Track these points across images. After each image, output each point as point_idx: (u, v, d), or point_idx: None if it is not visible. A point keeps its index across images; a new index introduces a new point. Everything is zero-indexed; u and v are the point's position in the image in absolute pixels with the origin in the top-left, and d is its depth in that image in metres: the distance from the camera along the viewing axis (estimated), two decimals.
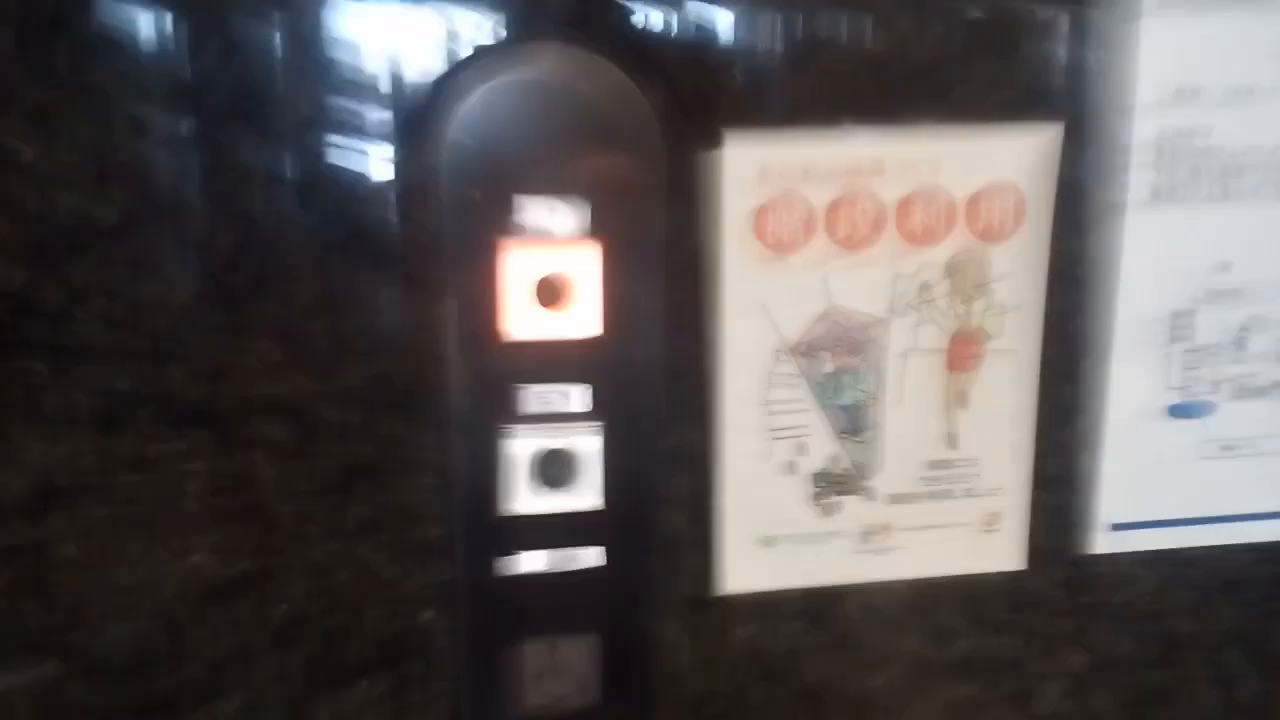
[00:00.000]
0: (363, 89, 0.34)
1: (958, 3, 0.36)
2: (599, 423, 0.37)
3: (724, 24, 0.35)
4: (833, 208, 0.37)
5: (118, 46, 0.32)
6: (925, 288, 0.38)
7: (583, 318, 0.36)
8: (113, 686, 0.36)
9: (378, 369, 0.36)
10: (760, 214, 0.37)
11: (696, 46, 0.35)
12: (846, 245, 0.37)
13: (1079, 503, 0.41)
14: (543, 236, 0.35)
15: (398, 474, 0.37)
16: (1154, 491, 0.41)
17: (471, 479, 0.37)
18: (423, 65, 0.34)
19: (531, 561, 0.37)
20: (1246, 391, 0.40)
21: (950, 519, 0.40)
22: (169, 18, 0.32)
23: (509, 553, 0.37)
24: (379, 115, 0.34)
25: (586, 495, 0.37)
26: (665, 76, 0.35)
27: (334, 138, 0.34)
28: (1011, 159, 0.37)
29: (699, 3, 0.35)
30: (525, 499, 0.37)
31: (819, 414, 0.39)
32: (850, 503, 0.40)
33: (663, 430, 0.38)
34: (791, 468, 0.39)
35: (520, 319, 0.36)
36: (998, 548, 0.41)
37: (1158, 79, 0.37)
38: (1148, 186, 0.38)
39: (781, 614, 0.40)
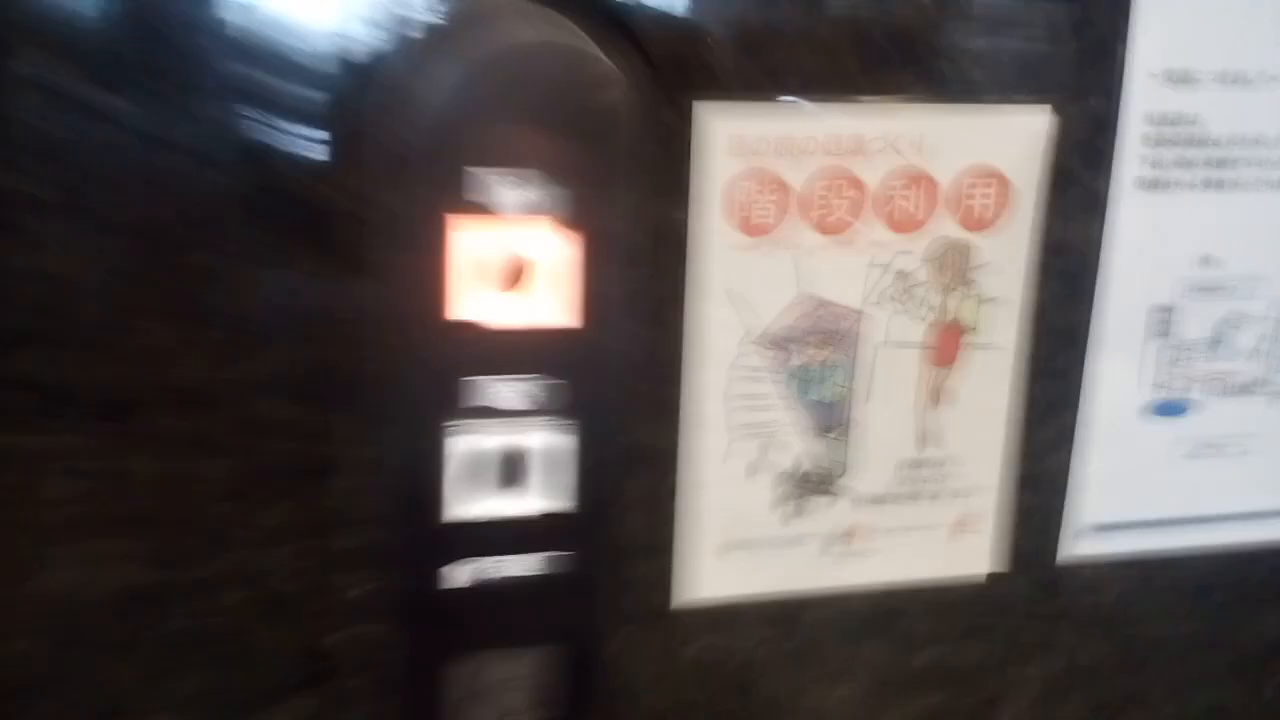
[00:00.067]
0: (294, 40, 0.30)
1: None
2: (555, 419, 0.34)
3: None
4: (809, 188, 0.34)
5: (20, 11, 0.28)
6: (904, 277, 0.36)
7: (539, 303, 0.33)
8: None
9: (310, 355, 0.32)
10: (731, 193, 0.34)
11: (668, 9, 0.32)
12: (822, 229, 0.35)
13: (1056, 505, 0.39)
14: (497, 212, 0.32)
15: (331, 473, 0.33)
16: (1133, 493, 0.39)
17: (414, 479, 0.33)
18: (365, 19, 0.30)
19: (478, 569, 0.34)
20: (1228, 389, 0.39)
21: (923, 522, 0.38)
22: None
23: (454, 560, 0.34)
24: (315, 69, 0.30)
25: (539, 497, 0.34)
26: (633, 40, 0.32)
27: (261, 93, 0.30)
28: (999, 141, 0.35)
29: None
30: (472, 501, 0.34)
31: (789, 410, 0.36)
32: (820, 505, 0.37)
33: (623, 427, 0.35)
34: (758, 467, 0.36)
35: (470, 303, 0.32)
36: (972, 552, 0.39)
37: (1149, 60, 0.35)
38: (1134, 175, 0.36)
39: (743, 623, 0.38)
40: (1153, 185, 0.36)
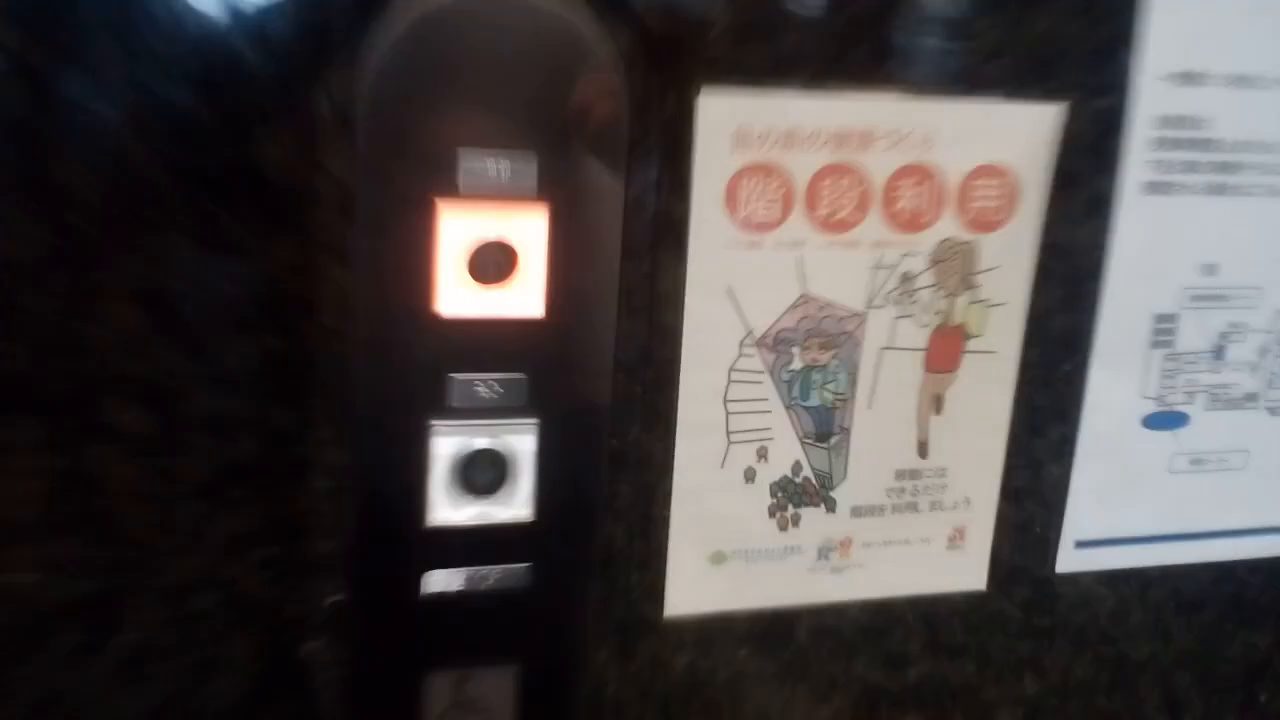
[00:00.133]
0: (264, 7, 0.27)
1: None
2: (534, 419, 0.31)
3: None
4: (815, 182, 0.32)
5: None
6: (907, 279, 0.34)
7: (522, 294, 0.30)
8: None
9: (265, 347, 0.29)
10: (734, 185, 0.32)
11: None
12: (826, 226, 0.33)
13: (1052, 518, 0.38)
14: (480, 196, 0.29)
15: (283, 476, 0.30)
16: (1124, 507, 0.38)
17: (377, 483, 0.31)
18: None
19: (444, 580, 0.32)
20: (1219, 402, 0.38)
21: (918, 533, 0.36)
22: None
23: (418, 570, 0.31)
24: (285, 36, 0.27)
25: (514, 504, 0.32)
26: (633, 16, 0.30)
27: (224, 65, 0.27)
28: (1007, 138, 0.33)
29: None
30: (441, 507, 0.31)
31: (783, 415, 0.34)
32: (810, 515, 0.35)
33: (607, 430, 0.32)
34: (749, 475, 0.34)
35: (446, 293, 0.29)
36: (966, 565, 0.37)
37: (1158, 61, 0.34)
38: (1139, 178, 0.35)
39: (732, 636, 0.36)
40: (1158, 189, 0.35)
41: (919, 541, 0.36)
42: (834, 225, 0.33)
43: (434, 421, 0.30)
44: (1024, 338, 0.36)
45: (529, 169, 0.29)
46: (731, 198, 0.32)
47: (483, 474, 0.31)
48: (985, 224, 0.34)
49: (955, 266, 0.34)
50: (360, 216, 0.28)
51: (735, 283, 0.32)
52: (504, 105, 0.29)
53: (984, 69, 0.33)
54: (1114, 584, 0.39)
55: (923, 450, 0.36)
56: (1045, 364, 0.36)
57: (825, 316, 0.34)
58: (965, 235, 0.34)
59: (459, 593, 0.32)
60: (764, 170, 0.32)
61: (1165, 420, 0.38)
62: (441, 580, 0.32)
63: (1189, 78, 0.34)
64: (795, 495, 0.35)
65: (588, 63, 0.29)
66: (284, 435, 0.30)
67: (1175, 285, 0.37)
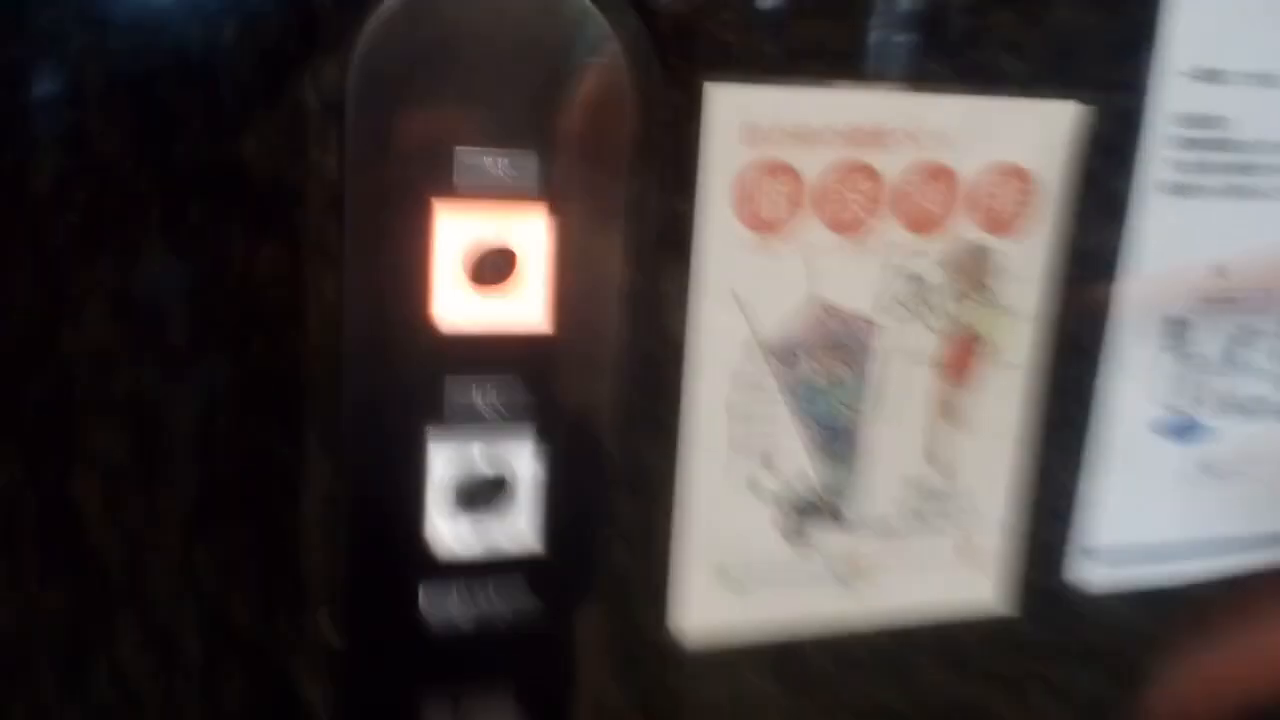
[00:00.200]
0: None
1: None
2: (539, 432, 0.29)
3: None
4: (824, 181, 0.31)
5: None
6: (920, 284, 0.33)
7: (522, 301, 0.28)
8: None
9: (248, 359, 0.27)
10: (742, 184, 0.30)
11: None
12: (836, 227, 0.31)
13: (1068, 531, 0.37)
14: (478, 195, 0.27)
15: (268, 498, 0.28)
16: (1144, 518, 0.37)
17: (370, 503, 0.29)
18: None
19: (441, 608, 0.30)
20: (1230, 407, 0.37)
21: (931, 549, 0.35)
22: None
23: (413, 598, 0.29)
24: (268, 21, 0.26)
25: (516, 526, 0.30)
26: (638, 6, 0.28)
27: (200, 45, 0.25)
28: (1025, 137, 0.32)
29: None
30: (438, 530, 0.29)
31: (792, 428, 0.33)
32: (823, 531, 0.34)
33: (615, 445, 0.31)
34: (757, 492, 0.33)
35: (442, 299, 0.28)
36: (979, 580, 0.36)
37: (1179, 57, 0.33)
38: (1157, 178, 0.34)
39: (739, 658, 0.34)
40: (1177, 190, 0.34)
41: (933, 556, 0.35)
42: (843, 225, 0.31)
43: (430, 433, 0.28)
44: (1039, 345, 0.34)
45: (529, 167, 0.28)
46: (738, 195, 0.30)
47: (481, 489, 0.29)
48: (1001, 225, 0.33)
49: (970, 271, 0.33)
50: (350, 217, 0.27)
51: (742, 285, 0.31)
52: (502, 100, 0.27)
53: (1001, 65, 0.32)
54: (1132, 597, 0.38)
55: (938, 463, 0.34)
56: (1059, 372, 0.35)
57: (833, 322, 0.32)
58: (980, 236, 0.33)
59: (458, 617, 0.30)
60: (772, 166, 0.30)
61: (1181, 428, 0.37)
62: (439, 604, 0.30)
63: (1209, 75, 0.33)
64: (806, 512, 0.33)
65: (590, 55, 0.28)
66: (265, 453, 0.28)
67: (1187, 289, 0.36)
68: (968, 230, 0.33)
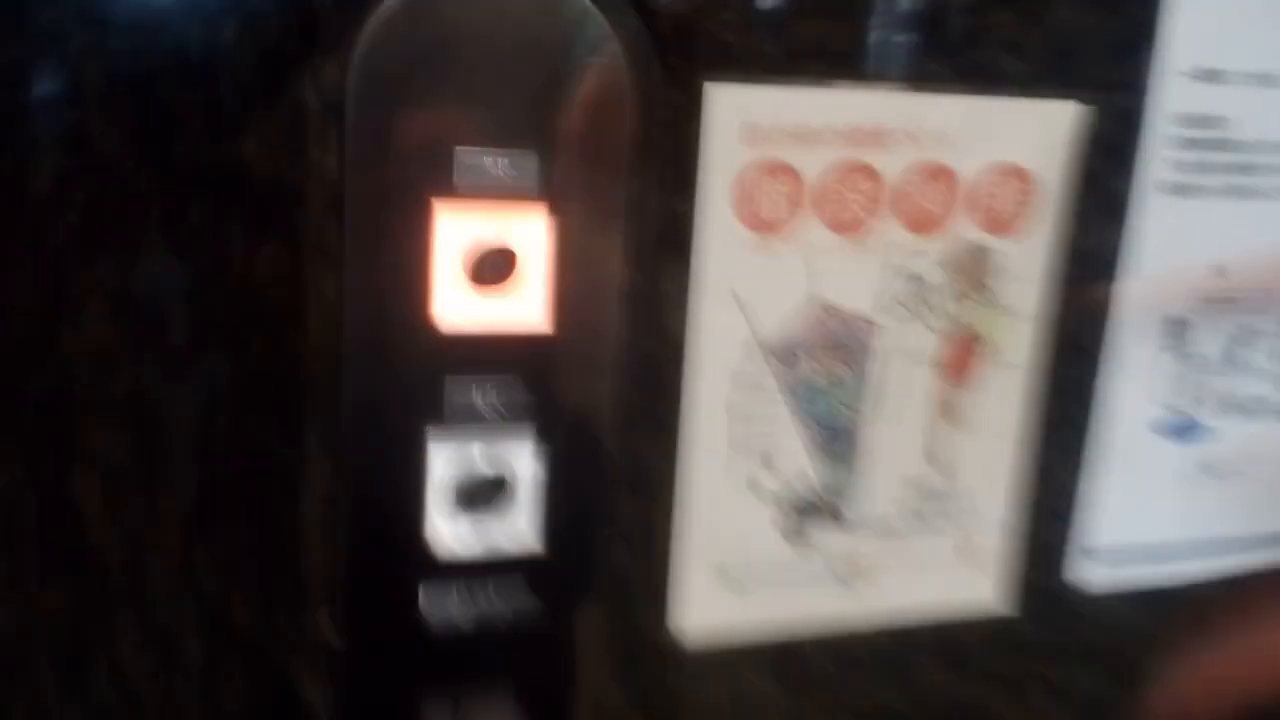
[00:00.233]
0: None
1: None
2: (537, 432, 0.29)
3: None
4: (824, 181, 0.31)
5: None
6: (920, 284, 0.33)
7: (522, 301, 0.28)
8: None
9: (248, 359, 0.27)
10: (742, 184, 0.30)
11: None
12: (836, 227, 0.31)
13: (1068, 531, 0.37)
14: (478, 195, 0.27)
15: (268, 498, 0.28)
16: (1144, 518, 0.37)
17: (370, 503, 0.29)
18: None
19: (441, 608, 0.30)
20: (1230, 407, 0.37)
21: (931, 549, 0.35)
22: None
23: (413, 598, 0.29)
24: (268, 20, 0.26)
25: (516, 526, 0.30)
26: (638, 5, 0.28)
27: (200, 44, 0.25)
28: (1025, 137, 0.32)
29: None
30: (438, 530, 0.29)
31: (792, 428, 0.33)
32: (823, 531, 0.34)
33: (615, 445, 0.31)
34: (757, 492, 0.33)
35: (442, 299, 0.28)
36: (980, 581, 0.36)
37: (1179, 57, 0.33)
38: (1158, 178, 0.34)
39: (738, 658, 0.34)
40: (1177, 190, 0.34)
41: (933, 557, 0.35)
42: (843, 226, 0.31)
43: (430, 433, 0.28)
44: (1039, 345, 0.34)
45: (529, 167, 0.28)
46: (738, 195, 0.30)
47: (481, 489, 0.29)
48: (1001, 225, 0.33)
49: (970, 271, 0.33)
50: (350, 217, 0.27)
51: (742, 285, 0.31)
52: (502, 100, 0.27)
53: (1001, 65, 0.32)
54: (1132, 597, 0.38)
55: (939, 464, 0.34)
56: (1059, 373, 0.35)
57: (833, 321, 0.32)
58: (980, 236, 0.33)
59: (458, 617, 0.30)
60: (772, 166, 0.30)
61: (1180, 428, 0.37)
62: (439, 604, 0.30)
63: (1211, 75, 0.33)
64: (806, 512, 0.33)
65: (590, 55, 0.28)
66: (265, 453, 0.28)
67: (1186, 289, 0.36)
68: (968, 230, 0.33)
